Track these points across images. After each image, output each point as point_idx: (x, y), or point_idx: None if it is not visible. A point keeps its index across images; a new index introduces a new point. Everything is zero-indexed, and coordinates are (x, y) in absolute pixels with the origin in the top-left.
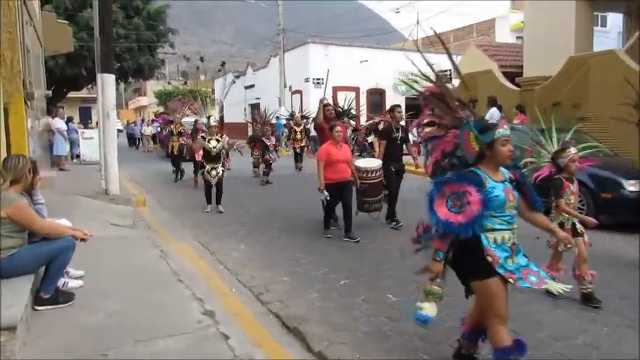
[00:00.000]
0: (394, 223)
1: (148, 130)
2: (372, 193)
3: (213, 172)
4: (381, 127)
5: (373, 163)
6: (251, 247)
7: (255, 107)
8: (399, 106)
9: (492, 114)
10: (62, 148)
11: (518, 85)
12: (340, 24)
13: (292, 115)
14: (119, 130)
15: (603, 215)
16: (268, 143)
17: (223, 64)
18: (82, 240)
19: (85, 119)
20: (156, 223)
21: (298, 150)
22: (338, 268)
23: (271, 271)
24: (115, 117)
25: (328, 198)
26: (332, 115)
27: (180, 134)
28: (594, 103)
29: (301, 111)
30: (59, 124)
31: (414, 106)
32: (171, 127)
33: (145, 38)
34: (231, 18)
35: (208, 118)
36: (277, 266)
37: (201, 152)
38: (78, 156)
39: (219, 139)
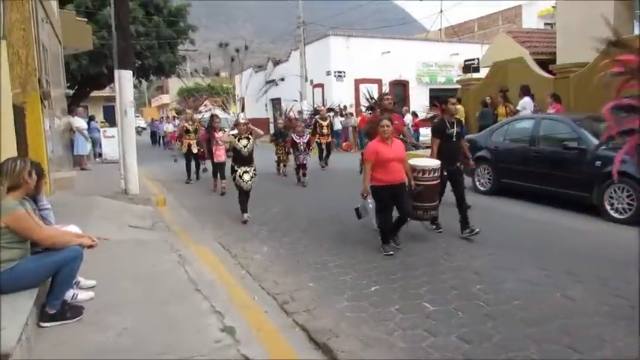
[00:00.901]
0: (434, 226)
1: (171, 128)
2: (427, 197)
3: (246, 177)
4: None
5: (431, 162)
6: (274, 249)
7: (276, 102)
8: (454, 97)
9: (525, 104)
10: (83, 147)
11: (551, 73)
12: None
13: (317, 108)
14: (142, 128)
15: None
16: (298, 141)
17: (232, 59)
18: (90, 247)
19: (110, 118)
20: (176, 223)
21: (324, 146)
22: (367, 273)
23: (296, 277)
24: (133, 114)
25: (370, 205)
26: (391, 106)
27: (196, 131)
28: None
29: (324, 104)
30: (79, 122)
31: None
32: (185, 123)
33: (165, 35)
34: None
35: (237, 115)
36: (302, 271)
37: (221, 152)
38: (100, 155)
39: (250, 137)
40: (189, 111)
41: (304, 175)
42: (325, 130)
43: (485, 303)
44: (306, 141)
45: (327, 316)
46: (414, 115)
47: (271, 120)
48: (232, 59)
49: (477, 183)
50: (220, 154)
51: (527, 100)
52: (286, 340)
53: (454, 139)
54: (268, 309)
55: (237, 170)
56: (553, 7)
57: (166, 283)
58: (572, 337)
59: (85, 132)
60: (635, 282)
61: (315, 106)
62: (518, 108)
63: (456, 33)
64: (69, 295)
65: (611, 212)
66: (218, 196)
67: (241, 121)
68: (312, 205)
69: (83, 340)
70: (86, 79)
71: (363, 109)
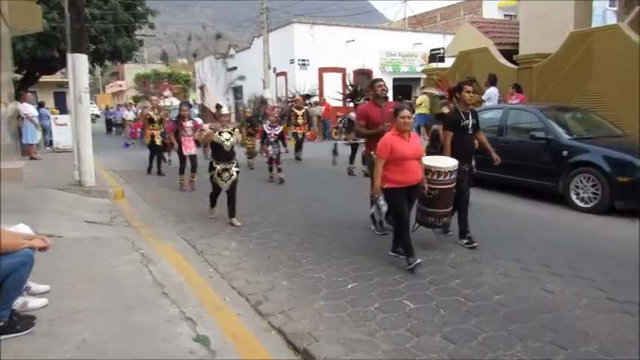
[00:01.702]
0: (466, 240)
1: (130, 115)
2: (442, 202)
3: (226, 174)
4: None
5: (448, 162)
6: (243, 244)
7: (237, 90)
8: (471, 83)
9: (491, 93)
10: (32, 135)
11: (515, 63)
12: (322, 4)
13: (292, 96)
14: (96, 116)
15: (619, 201)
16: (269, 132)
17: (195, 55)
18: (42, 249)
19: (61, 104)
20: (136, 218)
21: (300, 136)
22: (342, 270)
23: (268, 274)
24: (89, 101)
25: (384, 208)
26: (384, 93)
27: (161, 122)
28: (597, 81)
29: (285, 94)
30: (28, 109)
31: (401, 87)
32: (149, 112)
33: (121, 19)
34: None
35: (217, 107)
36: (274, 268)
37: (191, 143)
38: (51, 144)
39: (232, 132)
40: (154, 98)
41: (279, 170)
42: (300, 120)
43: (465, 299)
44: (278, 132)
45: (305, 318)
46: None
47: (233, 108)
48: (195, 55)
49: None
50: (190, 146)
51: (493, 90)
52: (263, 345)
53: (469, 132)
54: (241, 311)
55: (215, 167)
56: None
57: (129, 287)
58: (555, 333)
59: (35, 119)
60: (611, 273)
61: (293, 93)
62: (483, 98)
63: (419, 23)
64: (18, 303)
65: (577, 202)
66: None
67: (224, 112)
68: (281, 198)
69: (36, 356)
70: (35, 62)
71: (327, 98)
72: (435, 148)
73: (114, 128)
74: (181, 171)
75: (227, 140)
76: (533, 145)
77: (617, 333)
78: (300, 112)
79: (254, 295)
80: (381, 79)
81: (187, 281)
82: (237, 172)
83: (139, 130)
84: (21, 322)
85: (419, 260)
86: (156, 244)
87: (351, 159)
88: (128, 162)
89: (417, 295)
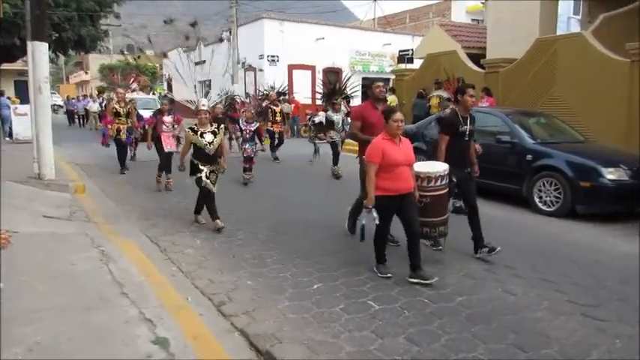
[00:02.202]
0: (486, 249)
1: (95, 107)
2: (435, 210)
3: (213, 177)
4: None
5: (437, 166)
6: (207, 241)
7: (204, 85)
8: (474, 87)
9: None
10: None
11: (482, 67)
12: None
13: (266, 94)
14: (58, 106)
15: (581, 205)
16: (244, 128)
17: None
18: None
19: (22, 94)
20: (97, 213)
21: (277, 135)
22: (307, 270)
23: (232, 274)
24: (49, 91)
25: (377, 221)
26: (383, 95)
27: (128, 115)
28: (561, 87)
29: (255, 90)
30: None
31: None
32: (115, 105)
33: (86, 7)
34: None
35: (197, 101)
36: (239, 267)
37: (171, 140)
38: (11, 134)
39: (217, 130)
40: (120, 90)
41: (249, 169)
42: (278, 118)
43: (429, 300)
44: (254, 129)
45: (268, 319)
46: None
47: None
48: (165, 55)
49: None
50: (170, 142)
51: None
52: (225, 347)
53: (466, 139)
54: (203, 311)
55: (202, 170)
56: (482, 3)
57: (88, 286)
58: (517, 335)
59: None
60: (572, 276)
61: (265, 89)
62: (449, 98)
63: (389, 23)
64: None
65: (540, 205)
66: (146, 183)
67: (202, 108)
68: (249, 197)
69: None
70: None
71: (296, 95)
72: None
73: (76, 120)
74: (160, 168)
75: (210, 144)
76: (498, 148)
77: (577, 336)
78: (277, 110)
79: (217, 295)
80: (379, 81)
81: (148, 280)
82: (222, 172)
83: (109, 126)
84: None
85: (389, 274)
86: (117, 241)
87: (335, 161)
88: (91, 155)
89: (382, 295)
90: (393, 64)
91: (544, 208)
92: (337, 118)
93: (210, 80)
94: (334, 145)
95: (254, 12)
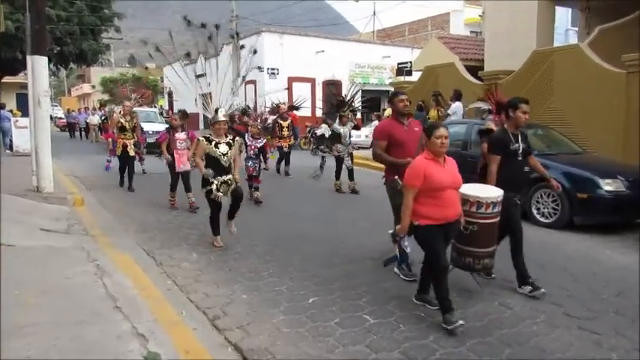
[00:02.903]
0: (529, 287)
1: (95, 120)
2: (483, 240)
3: (225, 187)
4: (488, 126)
5: (491, 191)
6: (204, 255)
7: (206, 97)
8: (527, 102)
9: (456, 108)
10: None
11: (480, 79)
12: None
13: (276, 106)
14: (58, 118)
15: (578, 217)
16: (249, 144)
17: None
18: None
19: (24, 106)
20: (95, 226)
21: (286, 149)
22: (304, 283)
23: (228, 287)
24: (49, 105)
25: (408, 249)
26: (407, 110)
27: (134, 130)
28: (559, 98)
29: (254, 103)
30: None
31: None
32: (120, 119)
33: (87, 22)
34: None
35: (216, 110)
36: (234, 280)
37: (184, 159)
38: (11, 147)
39: (231, 142)
40: (127, 103)
41: (256, 188)
42: (286, 132)
43: (425, 314)
44: (260, 146)
45: (263, 333)
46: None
47: (201, 116)
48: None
49: None
50: (184, 161)
51: (458, 104)
52: None
53: (519, 158)
54: (197, 326)
55: (213, 182)
56: (480, 16)
57: (81, 300)
58: (513, 349)
59: None
60: (569, 289)
61: (275, 102)
62: (449, 112)
63: (388, 36)
64: None
65: (538, 216)
66: (145, 196)
67: (221, 118)
68: (248, 210)
69: None
70: None
71: (304, 109)
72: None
73: (77, 132)
74: (173, 188)
75: (224, 155)
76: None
77: (574, 349)
78: (285, 124)
79: (212, 309)
80: (403, 93)
81: (143, 294)
82: (237, 182)
83: (110, 140)
84: None
85: (460, 322)
86: (113, 255)
87: (337, 174)
88: (90, 168)
89: (377, 309)
90: (392, 76)
91: (542, 219)
92: (344, 131)
93: (210, 93)
94: (339, 160)
95: (254, 25)
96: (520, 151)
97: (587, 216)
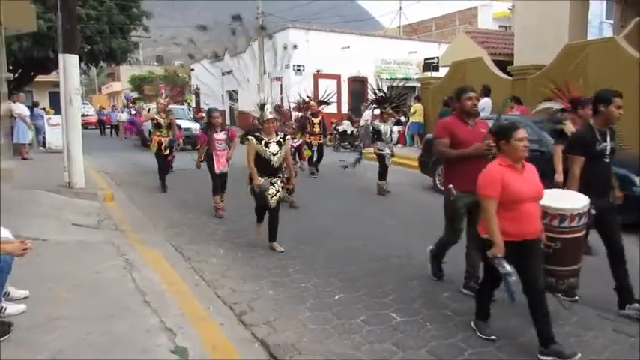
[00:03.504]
0: (637, 305)
1: (124, 117)
2: (566, 257)
3: (272, 190)
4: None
5: (575, 200)
6: (230, 251)
7: (232, 94)
8: (620, 95)
9: (485, 104)
10: (24, 135)
11: (509, 74)
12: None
13: (304, 102)
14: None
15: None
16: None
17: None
18: (21, 255)
19: (56, 104)
20: (124, 222)
21: (315, 148)
22: (329, 280)
23: (254, 283)
24: (80, 102)
25: (514, 277)
26: (475, 109)
27: (169, 127)
28: (592, 93)
29: (280, 99)
30: (21, 109)
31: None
32: (155, 116)
33: (117, 21)
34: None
35: (262, 107)
36: (261, 276)
37: (224, 160)
38: (45, 144)
39: (282, 141)
40: (162, 101)
41: (291, 191)
42: (317, 129)
43: (453, 312)
44: (296, 146)
45: (289, 329)
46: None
47: (227, 112)
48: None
49: (438, 183)
50: (223, 163)
51: (486, 100)
52: (244, 357)
53: (606, 160)
54: (224, 321)
55: (270, 183)
56: (509, 9)
57: (111, 294)
58: None
59: (28, 119)
60: (604, 290)
61: (304, 97)
62: (477, 108)
63: (415, 31)
64: None
65: None
66: (174, 192)
67: (269, 116)
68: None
69: None
70: (30, 62)
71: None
72: (427, 158)
73: (106, 130)
74: (215, 192)
75: (274, 155)
76: (526, 157)
77: (608, 352)
78: (316, 121)
79: (238, 305)
80: (471, 89)
81: (171, 289)
82: (284, 188)
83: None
84: None
85: (495, 337)
86: (142, 250)
87: (382, 175)
88: (120, 164)
89: (404, 307)
90: (419, 72)
91: None
92: (385, 128)
93: (237, 90)
94: (382, 158)
95: (280, 22)
96: (607, 151)
97: (621, 214)
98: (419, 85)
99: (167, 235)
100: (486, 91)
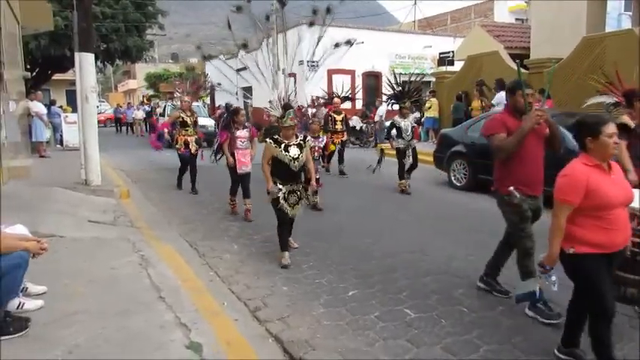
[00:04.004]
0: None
1: (139, 114)
2: None
3: (292, 199)
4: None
5: None
6: (245, 247)
7: (247, 90)
8: None
9: (501, 98)
10: (41, 133)
11: (525, 68)
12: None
13: (330, 98)
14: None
15: None
16: (312, 146)
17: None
18: (36, 255)
19: (73, 102)
20: (140, 218)
21: (339, 146)
22: (343, 276)
23: (268, 279)
24: (96, 100)
25: (555, 286)
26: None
27: (195, 125)
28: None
29: (295, 95)
30: (38, 107)
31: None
32: (181, 114)
33: (132, 19)
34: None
35: (286, 108)
36: (275, 272)
37: (247, 159)
38: (62, 142)
39: (302, 143)
40: (186, 98)
41: (315, 193)
42: (339, 127)
43: (468, 309)
44: (322, 145)
45: (303, 325)
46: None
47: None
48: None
49: (453, 178)
50: (245, 162)
51: (502, 94)
52: (258, 353)
53: None
54: (239, 317)
55: (281, 189)
56: (526, 2)
57: (126, 290)
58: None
59: (45, 117)
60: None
61: (328, 93)
62: (493, 102)
63: (430, 25)
64: (14, 304)
65: None
66: (187, 187)
67: (289, 123)
68: None
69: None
70: (47, 60)
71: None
72: (442, 153)
73: (122, 128)
74: (233, 191)
75: (294, 159)
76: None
77: (626, 349)
78: (339, 118)
79: (253, 301)
80: (527, 85)
81: (186, 285)
82: (307, 195)
83: (165, 130)
84: (15, 324)
85: None
86: (157, 246)
87: (400, 173)
88: (136, 162)
89: (418, 304)
90: (434, 66)
91: None
92: (405, 124)
93: (251, 87)
94: (401, 154)
95: (295, 18)
96: None
97: None
98: (434, 79)
99: (181, 231)
100: (501, 85)
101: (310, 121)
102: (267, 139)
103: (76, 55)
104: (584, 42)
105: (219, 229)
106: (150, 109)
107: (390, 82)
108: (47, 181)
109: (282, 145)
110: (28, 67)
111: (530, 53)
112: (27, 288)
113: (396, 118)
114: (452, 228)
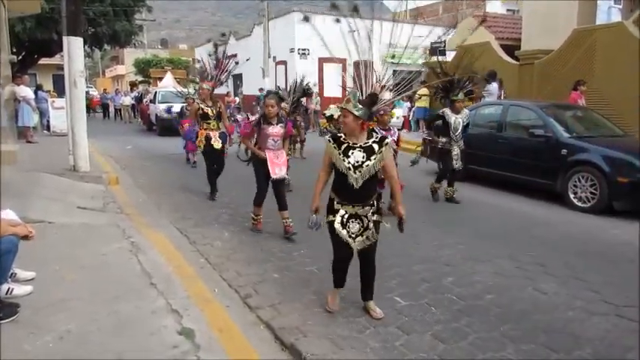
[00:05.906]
0: None
1: (127, 101)
2: None
3: (355, 226)
4: None
5: None
6: (235, 234)
7: (237, 78)
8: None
9: (491, 88)
10: (28, 118)
11: (516, 59)
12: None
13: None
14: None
15: (618, 202)
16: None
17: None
18: (25, 238)
19: (60, 87)
20: (129, 205)
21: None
22: None
23: (259, 266)
24: (84, 85)
25: None
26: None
27: (219, 116)
28: (600, 79)
29: (285, 83)
30: (25, 91)
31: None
32: (200, 105)
33: (120, 2)
34: None
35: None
36: (266, 260)
37: (281, 161)
38: (49, 127)
39: (376, 145)
40: (205, 86)
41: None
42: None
43: (458, 297)
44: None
45: (294, 312)
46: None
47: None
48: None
49: None
50: (280, 163)
51: (493, 85)
52: (250, 340)
53: None
54: (230, 304)
55: (337, 210)
56: None
57: (117, 276)
58: (548, 336)
59: (32, 102)
60: (607, 275)
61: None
62: (483, 93)
63: (422, 15)
64: (3, 290)
65: (575, 201)
66: (177, 174)
67: (336, 112)
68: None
69: (17, 345)
70: (34, 45)
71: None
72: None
73: (116, 113)
74: (258, 201)
75: (355, 168)
76: (531, 142)
77: (611, 337)
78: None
79: (244, 288)
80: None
81: (177, 272)
82: (377, 226)
83: (194, 129)
84: (4, 310)
85: None
86: (147, 233)
87: (439, 176)
88: (124, 148)
89: (408, 292)
90: (426, 56)
91: (579, 204)
92: (456, 120)
93: (241, 74)
94: (444, 153)
95: (285, 5)
96: None
97: (627, 201)
98: (425, 69)
99: (172, 218)
100: (492, 76)
101: (381, 112)
102: (328, 138)
103: (65, 39)
104: (575, 34)
105: (210, 216)
106: (139, 95)
107: (436, 71)
108: (35, 167)
109: (343, 147)
110: (14, 50)
111: (520, 45)
112: (15, 274)
113: (447, 111)
114: (442, 217)
